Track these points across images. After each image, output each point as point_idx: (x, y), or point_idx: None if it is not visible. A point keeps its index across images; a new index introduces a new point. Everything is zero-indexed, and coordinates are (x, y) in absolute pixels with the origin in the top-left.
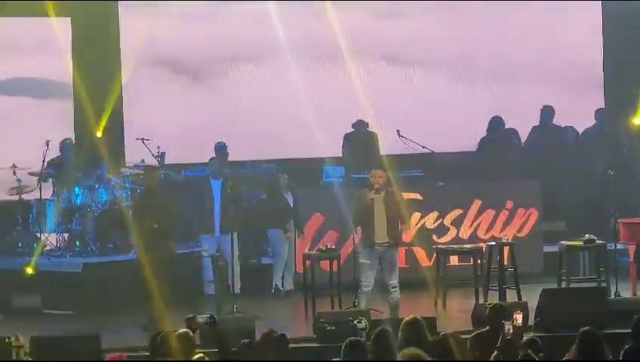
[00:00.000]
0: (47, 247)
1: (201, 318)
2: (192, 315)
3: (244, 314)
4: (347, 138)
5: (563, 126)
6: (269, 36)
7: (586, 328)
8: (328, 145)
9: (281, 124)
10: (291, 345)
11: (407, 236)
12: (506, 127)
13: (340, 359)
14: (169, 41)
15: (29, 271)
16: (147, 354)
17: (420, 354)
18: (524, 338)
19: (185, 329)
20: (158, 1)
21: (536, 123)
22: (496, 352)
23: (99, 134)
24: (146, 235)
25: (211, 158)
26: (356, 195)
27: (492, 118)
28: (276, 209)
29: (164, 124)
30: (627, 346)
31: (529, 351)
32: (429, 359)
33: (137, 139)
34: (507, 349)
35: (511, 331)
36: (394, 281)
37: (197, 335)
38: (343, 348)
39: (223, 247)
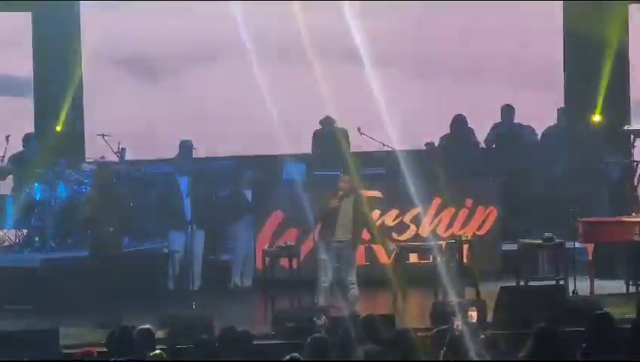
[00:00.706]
0: (6, 243)
1: None
2: None
3: (203, 311)
4: (317, 135)
5: (523, 124)
6: (231, 33)
7: (542, 325)
8: (289, 142)
9: (243, 121)
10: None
11: (367, 233)
12: (468, 125)
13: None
14: (131, 38)
15: None
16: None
17: (378, 351)
18: (482, 335)
19: (146, 326)
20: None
21: (497, 121)
22: (445, 349)
23: (58, 128)
24: (98, 233)
25: (177, 154)
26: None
27: (454, 116)
28: (235, 205)
29: (126, 121)
30: (583, 344)
31: (478, 347)
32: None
33: (98, 135)
34: (457, 346)
35: (460, 328)
36: (352, 278)
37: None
38: (306, 345)
39: (189, 243)
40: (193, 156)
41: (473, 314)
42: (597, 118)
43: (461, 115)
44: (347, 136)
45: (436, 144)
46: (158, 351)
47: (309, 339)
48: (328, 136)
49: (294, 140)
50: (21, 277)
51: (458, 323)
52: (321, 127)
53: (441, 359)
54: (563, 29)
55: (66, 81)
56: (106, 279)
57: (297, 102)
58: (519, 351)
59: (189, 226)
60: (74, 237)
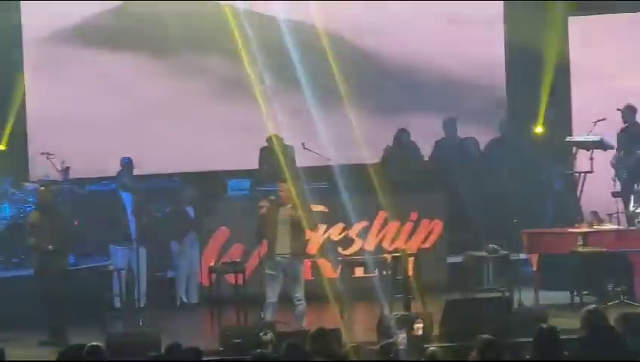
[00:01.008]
0: None
1: None
2: None
3: (150, 328)
4: (263, 151)
5: (467, 137)
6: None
7: (484, 336)
8: (232, 159)
9: (185, 138)
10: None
11: (313, 248)
12: (411, 138)
13: None
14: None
15: None
16: None
17: None
18: (427, 349)
19: (95, 343)
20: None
21: (441, 135)
22: None
23: (1, 147)
24: (41, 253)
25: (118, 172)
26: (258, 208)
27: (398, 130)
28: (178, 222)
29: (67, 139)
30: (527, 357)
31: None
32: None
33: (42, 153)
34: (402, 359)
35: (405, 341)
36: (299, 294)
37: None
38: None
39: (133, 260)
40: (134, 173)
41: (419, 327)
42: (539, 129)
43: (404, 128)
44: (293, 153)
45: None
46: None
47: (252, 356)
48: (274, 152)
49: (237, 156)
50: None
51: (403, 336)
52: (267, 143)
53: None
54: (504, 39)
55: (8, 101)
56: (50, 298)
57: (239, 118)
58: None
59: (133, 243)
60: (19, 256)
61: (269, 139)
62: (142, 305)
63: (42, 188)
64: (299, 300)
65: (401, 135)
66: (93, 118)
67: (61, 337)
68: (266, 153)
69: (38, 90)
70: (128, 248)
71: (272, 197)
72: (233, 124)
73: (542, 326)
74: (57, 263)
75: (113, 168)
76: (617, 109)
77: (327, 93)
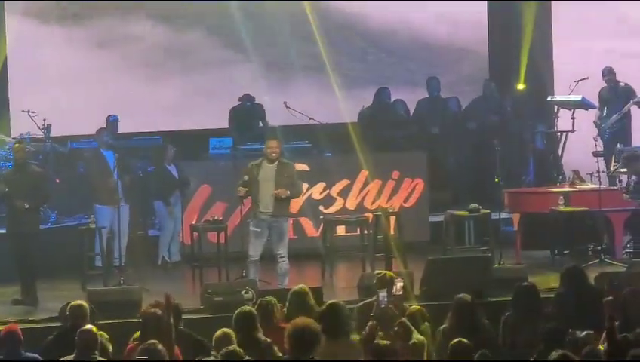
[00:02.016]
0: None
1: None
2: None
3: (131, 286)
4: (233, 111)
5: (449, 96)
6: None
7: (461, 295)
8: (214, 117)
9: (168, 96)
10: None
11: (295, 207)
12: (391, 97)
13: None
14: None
15: None
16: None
17: (310, 323)
18: (410, 307)
19: (78, 301)
20: None
21: (424, 94)
22: (371, 322)
23: None
24: (14, 211)
25: (99, 129)
26: (247, 165)
27: (378, 88)
28: (161, 181)
29: (50, 96)
30: (507, 314)
31: (404, 319)
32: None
33: (23, 111)
34: (383, 317)
35: (385, 299)
36: (282, 251)
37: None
38: (234, 317)
39: (115, 219)
40: (118, 131)
41: (400, 286)
42: (521, 86)
43: (385, 87)
44: (264, 111)
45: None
46: (89, 326)
47: (236, 313)
48: (243, 112)
49: (219, 115)
50: None
51: (383, 295)
52: (239, 103)
53: (366, 331)
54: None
55: None
56: (22, 256)
57: (224, 75)
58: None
59: (116, 202)
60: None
61: (241, 98)
62: (123, 264)
63: (16, 145)
64: (282, 257)
65: (381, 92)
66: (73, 76)
67: (32, 297)
68: (236, 113)
69: (20, 46)
70: (112, 207)
71: (273, 156)
72: (215, 83)
73: (521, 283)
74: (30, 221)
75: (94, 126)
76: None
77: (310, 56)
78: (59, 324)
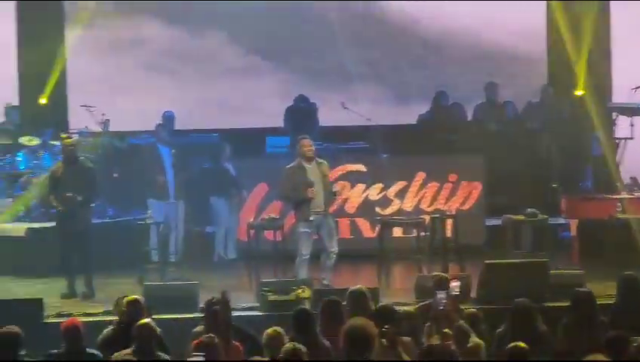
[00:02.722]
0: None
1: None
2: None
3: (187, 282)
4: (289, 111)
5: (506, 101)
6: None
7: (520, 299)
8: (272, 116)
9: (225, 94)
10: (235, 314)
11: (351, 207)
12: (449, 100)
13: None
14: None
15: None
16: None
17: (367, 323)
18: (466, 310)
19: (136, 296)
20: None
21: (481, 99)
22: (429, 323)
23: (43, 101)
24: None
25: (157, 125)
26: (286, 170)
27: (436, 92)
28: (219, 177)
29: (108, 92)
30: (565, 320)
31: (462, 322)
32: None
33: (81, 106)
34: (440, 319)
35: (444, 300)
36: (335, 247)
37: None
38: (292, 316)
39: (170, 214)
40: (175, 128)
41: (456, 286)
42: (579, 92)
43: (442, 90)
44: (316, 112)
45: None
46: (147, 320)
47: (293, 311)
48: (299, 112)
49: (277, 114)
50: (7, 247)
51: (442, 296)
52: (293, 102)
53: (424, 333)
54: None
55: (50, 49)
56: (67, 251)
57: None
58: (500, 326)
59: (172, 197)
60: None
61: (296, 99)
62: (178, 260)
63: (66, 140)
64: (334, 254)
65: (440, 97)
66: (132, 73)
67: (89, 290)
68: (290, 113)
69: (79, 44)
70: (166, 202)
71: (309, 155)
72: (275, 83)
73: (578, 290)
74: (82, 218)
75: (152, 122)
76: None
77: (367, 59)
78: (115, 318)
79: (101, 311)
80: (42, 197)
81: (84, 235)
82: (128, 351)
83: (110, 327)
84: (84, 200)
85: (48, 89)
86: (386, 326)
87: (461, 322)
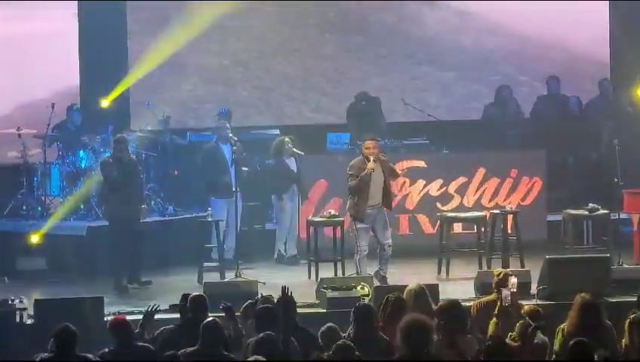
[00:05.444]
0: (51, 211)
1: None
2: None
3: (247, 279)
4: (351, 108)
5: (569, 95)
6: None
7: (584, 294)
8: (332, 112)
9: (283, 90)
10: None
11: (411, 203)
12: (512, 95)
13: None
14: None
15: (35, 239)
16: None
17: (424, 319)
18: (526, 305)
19: (200, 293)
20: None
21: (543, 92)
22: (494, 319)
23: (105, 103)
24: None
25: (218, 122)
26: (353, 166)
27: (499, 86)
28: (280, 175)
29: (167, 90)
30: (633, 315)
31: (527, 318)
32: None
33: (144, 104)
34: (505, 316)
35: (509, 298)
36: (389, 239)
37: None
38: (352, 312)
39: (231, 212)
40: (231, 125)
41: (514, 282)
42: None
43: (506, 85)
44: (380, 104)
45: (480, 114)
46: (214, 319)
47: (354, 307)
48: (360, 110)
49: (337, 109)
50: (67, 245)
51: (507, 293)
52: (355, 100)
53: (490, 329)
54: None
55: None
56: (128, 248)
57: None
58: (563, 322)
59: (234, 195)
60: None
61: (357, 96)
62: (238, 257)
63: (117, 139)
64: (389, 246)
65: (502, 91)
66: (194, 69)
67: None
68: (353, 111)
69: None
70: (227, 200)
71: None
72: (336, 79)
73: None
74: (131, 216)
75: (213, 119)
76: None
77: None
78: (177, 316)
79: (162, 308)
80: (100, 195)
81: (138, 233)
82: (194, 349)
83: (171, 325)
84: (134, 201)
85: (115, 93)
86: (444, 322)
87: (527, 319)
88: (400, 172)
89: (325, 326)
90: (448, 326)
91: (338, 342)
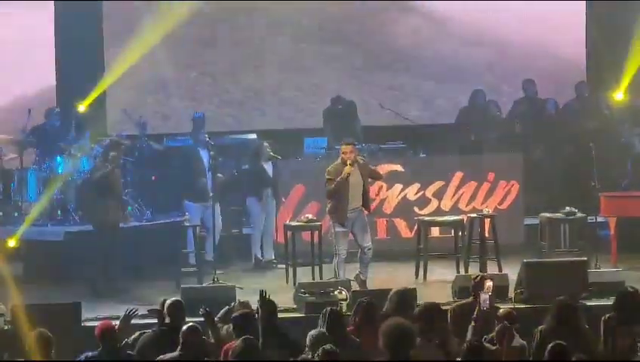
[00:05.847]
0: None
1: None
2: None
3: (224, 284)
4: (326, 112)
5: (545, 98)
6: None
7: (562, 297)
8: (308, 117)
9: (261, 95)
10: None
11: (389, 207)
12: (487, 98)
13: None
14: None
15: (12, 244)
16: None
17: (405, 323)
18: (501, 309)
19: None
20: None
21: (519, 96)
22: (473, 323)
23: (82, 108)
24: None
25: (195, 127)
26: (331, 171)
27: (473, 90)
28: (256, 178)
29: (144, 95)
30: (608, 316)
31: (505, 321)
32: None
33: (121, 109)
34: (484, 320)
35: (487, 302)
36: (369, 242)
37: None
38: (320, 316)
39: (207, 216)
40: (206, 130)
41: (489, 286)
42: (620, 96)
43: (480, 89)
44: (356, 109)
45: (455, 118)
46: (194, 324)
47: (323, 312)
48: (337, 114)
49: (313, 114)
50: (44, 251)
51: (485, 297)
52: (331, 104)
53: (468, 333)
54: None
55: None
56: (109, 252)
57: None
58: (539, 325)
59: (210, 199)
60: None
61: (333, 100)
62: (215, 261)
63: (112, 145)
64: (369, 249)
65: (477, 95)
66: (168, 76)
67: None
68: (329, 115)
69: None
70: (203, 204)
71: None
72: (312, 83)
73: (626, 288)
74: (113, 220)
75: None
76: None
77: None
78: (154, 321)
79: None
80: (83, 200)
81: (117, 237)
82: (174, 354)
83: (149, 330)
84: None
85: (91, 98)
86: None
87: (505, 322)
88: (382, 173)
89: (317, 331)
90: (426, 330)
91: (324, 346)
